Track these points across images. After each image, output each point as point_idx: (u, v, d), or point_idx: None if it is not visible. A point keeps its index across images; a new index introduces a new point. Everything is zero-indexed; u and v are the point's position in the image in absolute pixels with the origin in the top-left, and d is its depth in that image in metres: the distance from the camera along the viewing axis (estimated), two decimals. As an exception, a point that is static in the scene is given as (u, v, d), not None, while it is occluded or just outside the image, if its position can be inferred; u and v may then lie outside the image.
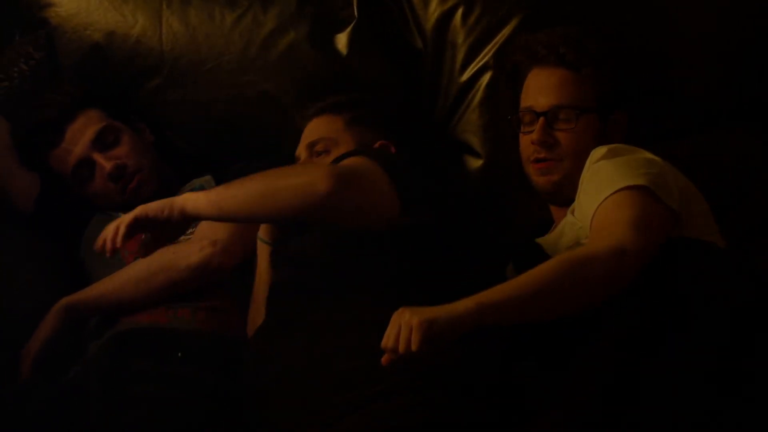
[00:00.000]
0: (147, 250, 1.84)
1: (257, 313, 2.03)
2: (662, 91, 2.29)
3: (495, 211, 2.34)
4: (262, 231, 2.07)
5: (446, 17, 2.38)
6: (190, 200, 1.77)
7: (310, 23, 2.41)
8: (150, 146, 2.41)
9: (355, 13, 2.42)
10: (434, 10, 2.39)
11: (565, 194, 2.03)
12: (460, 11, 2.36)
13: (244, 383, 1.88)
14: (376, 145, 2.16)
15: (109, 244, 1.78)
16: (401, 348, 1.55)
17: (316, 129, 2.19)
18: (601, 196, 1.82)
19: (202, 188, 2.34)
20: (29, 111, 2.36)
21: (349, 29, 2.41)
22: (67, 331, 2.08)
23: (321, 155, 2.14)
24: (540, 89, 2.08)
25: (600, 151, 1.94)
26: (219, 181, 2.35)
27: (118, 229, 1.77)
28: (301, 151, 2.19)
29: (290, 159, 2.42)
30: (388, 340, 1.56)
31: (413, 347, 1.54)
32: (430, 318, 1.55)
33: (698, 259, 1.73)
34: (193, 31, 2.43)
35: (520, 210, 2.31)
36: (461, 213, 2.10)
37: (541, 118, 2.04)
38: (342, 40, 2.41)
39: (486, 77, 2.35)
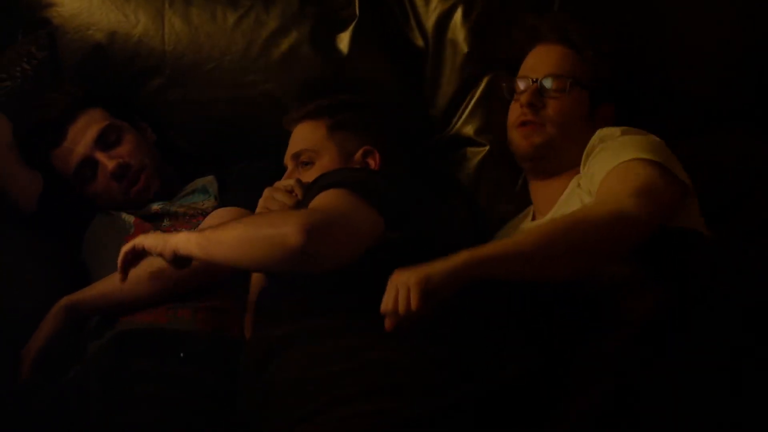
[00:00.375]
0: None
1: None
2: (663, 91, 2.29)
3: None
4: None
5: (447, 16, 2.38)
6: (182, 241, 1.80)
7: (312, 23, 2.41)
8: (152, 146, 2.41)
9: (357, 12, 2.42)
10: (435, 8, 2.39)
11: (544, 162, 2.07)
12: (460, 9, 2.37)
13: (239, 385, 1.88)
14: (360, 151, 2.15)
15: (120, 275, 1.88)
16: (401, 309, 1.56)
17: (300, 138, 2.19)
18: (611, 165, 1.84)
19: (204, 188, 2.35)
20: (31, 110, 2.36)
21: (350, 28, 2.41)
22: (67, 331, 2.07)
23: (306, 166, 2.14)
24: (539, 61, 2.13)
25: (611, 129, 1.98)
26: (222, 180, 2.37)
27: (122, 258, 1.86)
28: (288, 160, 2.19)
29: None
30: (387, 303, 1.57)
31: (413, 306, 1.55)
32: (426, 274, 1.56)
33: (706, 255, 1.74)
34: (195, 30, 2.43)
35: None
36: (452, 216, 2.10)
37: (534, 84, 2.09)
38: (344, 40, 2.41)
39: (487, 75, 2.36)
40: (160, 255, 1.81)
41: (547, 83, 2.08)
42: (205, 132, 2.48)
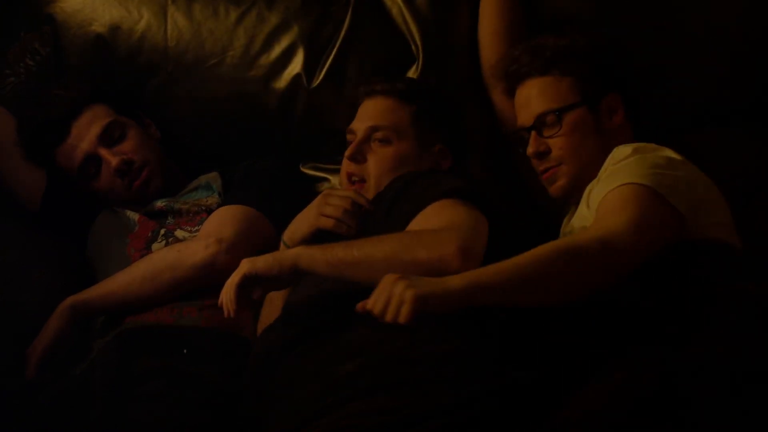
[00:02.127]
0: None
1: (269, 312, 2.02)
2: (663, 90, 2.28)
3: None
4: (287, 235, 2.05)
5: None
6: (305, 256, 1.77)
7: (314, 20, 2.41)
8: (156, 142, 2.41)
9: (350, 11, 2.41)
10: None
11: (577, 191, 2.03)
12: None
13: (246, 382, 1.88)
14: (436, 147, 2.14)
15: (226, 312, 1.79)
16: (388, 317, 1.57)
17: (381, 113, 2.14)
18: (609, 187, 1.83)
19: (208, 185, 2.36)
20: (35, 107, 2.36)
21: (345, 27, 2.40)
22: (72, 330, 2.09)
23: (381, 143, 2.11)
24: (523, 105, 2.08)
25: (624, 150, 1.93)
26: (226, 177, 2.37)
27: (229, 294, 1.78)
28: (358, 128, 2.13)
29: (294, 155, 2.46)
30: (376, 305, 1.58)
31: (401, 319, 1.56)
32: (423, 295, 1.56)
33: (720, 262, 1.74)
34: (197, 26, 2.44)
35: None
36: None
37: (532, 132, 2.05)
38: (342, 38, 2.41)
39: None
40: (278, 276, 1.77)
41: (541, 125, 2.04)
42: (208, 128, 2.48)
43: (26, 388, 1.98)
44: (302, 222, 2.03)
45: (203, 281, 2.11)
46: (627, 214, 1.75)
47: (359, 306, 1.62)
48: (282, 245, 2.06)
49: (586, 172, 2.00)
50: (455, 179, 1.97)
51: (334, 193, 2.03)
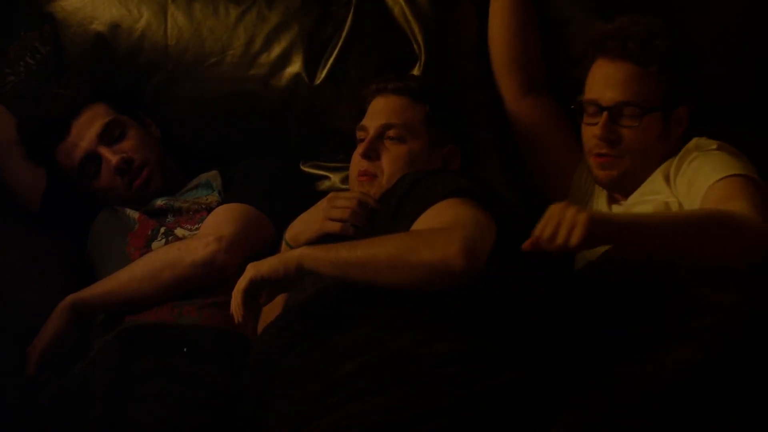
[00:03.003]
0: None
1: (270, 311, 2.01)
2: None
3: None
4: (289, 234, 2.06)
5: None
6: (309, 257, 1.75)
7: (314, 19, 2.41)
8: (156, 141, 2.41)
9: (352, 10, 2.40)
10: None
11: (621, 188, 2.07)
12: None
13: (247, 380, 1.88)
14: (446, 148, 2.15)
15: (235, 319, 1.77)
16: (560, 240, 1.59)
17: (395, 110, 2.14)
18: (717, 176, 1.89)
19: (208, 183, 2.36)
20: (35, 106, 2.36)
21: (346, 26, 2.40)
22: (72, 328, 2.08)
23: (393, 141, 2.11)
24: (606, 82, 2.05)
25: (706, 142, 2.00)
26: (225, 176, 2.37)
27: (236, 299, 1.76)
28: (371, 125, 2.13)
29: (294, 153, 2.46)
30: (545, 230, 1.60)
31: (572, 242, 1.58)
32: (596, 218, 1.60)
33: None
34: (197, 25, 2.44)
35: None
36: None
37: (605, 113, 2.03)
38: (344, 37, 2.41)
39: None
40: (284, 278, 1.75)
41: (618, 112, 2.03)
42: (208, 127, 2.48)
43: (26, 387, 1.98)
44: (307, 224, 2.04)
45: (203, 280, 2.11)
46: (748, 202, 1.81)
47: (526, 245, 1.62)
48: (284, 245, 2.06)
49: (639, 172, 2.03)
50: (461, 179, 1.97)
51: (340, 196, 2.04)
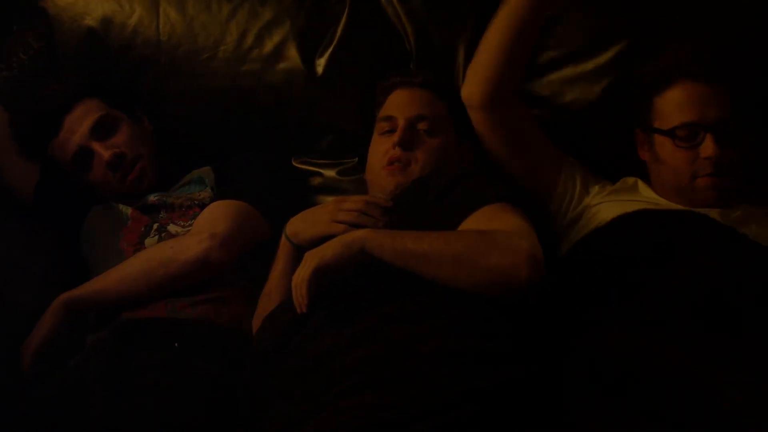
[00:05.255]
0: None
1: (266, 305, 2.03)
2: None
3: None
4: (290, 230, 2.06)
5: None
6: (373, 241, 1.76)
7: (306, 15, 2.41)
8: (149, 136, 2.42)
9: (347, 8, 2.40)
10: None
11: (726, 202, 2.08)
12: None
13: (246, 371, 1.90)
14: (465, 144, 2.18)
15: (299, 309, 1.78)
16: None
17: (423, 103, 2.18)
18: None
19: (201, 179, 2.37)
20: (28, 101, 2.37)
21: (341, 24, 2.40)
22: (67, 326, 2.08)
23: (425, 133, 2.13)
24: (696, 103, 2.07)
25: None
26: (218, 172, 2.37)
27: (302, 289, 1.76)
28: (398, 115, 2.16)
29: (287, 149, 2.47)
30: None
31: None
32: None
33: None
34: (190, 21, 2.43)
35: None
36: None
37: (710, 135, 2.05)
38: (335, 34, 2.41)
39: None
40: (348, 262, 1.76)
41: (722, 132, 2.05)
42: (200, 122, 2.48)
43: (21, 384, 1.99)
44: (311, 224, 2.04)
45: (197, 277, 2.11)
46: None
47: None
48: (284, 238, 2.07)
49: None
50: (503, 184, 1.99)
51: (348, 199, 2.05)
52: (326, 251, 1.77)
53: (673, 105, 2.09)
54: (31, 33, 2.49)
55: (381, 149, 2.16)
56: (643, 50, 2.21)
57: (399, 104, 2.19)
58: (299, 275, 1.77)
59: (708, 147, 2.04)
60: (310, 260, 1.76)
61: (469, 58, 2.25)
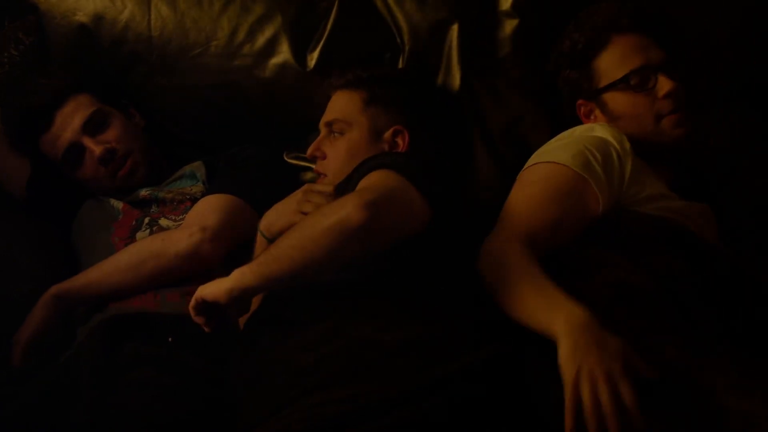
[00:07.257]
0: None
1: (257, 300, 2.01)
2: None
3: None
4: (263, 225, 2.05)
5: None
6: (236, 280, 1.72)
7: (297, 9, 2.41)
8: (141, 131, 2.42)
9: (337, 3, 2.40)
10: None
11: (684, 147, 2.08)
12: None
13: (232, 369, 1.89)
14: (390, 130, 2.13)
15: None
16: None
17: (336, 107, 2.17)
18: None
19: (192, 174, 2.37)
20: (20, 96, 2.36)
21: (332, 18, 2.40)
22: (57, 319, 2.09)
23: (336, 136, 2.13)
24: (637, 49, 2.08)
25: None
26: (210, 166, 2.38)
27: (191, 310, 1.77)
28: (321, 126, 2.17)
29: (278, 144, 2.47)
30: None
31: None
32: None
33: None
34: (181, 16, 2.43)
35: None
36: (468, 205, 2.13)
37: (660, 74, 2.06)
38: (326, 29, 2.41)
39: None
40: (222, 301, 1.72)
41: (671, 68, 2.06)
42: (192, 117, 2.48)
43: (11, 377, 1.99)
44: (280, 215, 2.03)
45: (187, 270, 2.11)
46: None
47: None
48: (258, 235, 2.06)
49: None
50: (395, 156, 1.97)
51: (314, 188, 2.03)
52: (206, 289, 1.74)
53: (616, 59, 2.10)
54: (22, 28, 2.49)
55: None
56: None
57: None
58: (200, 292, 1.75)
59: (663, 84, 2.04)
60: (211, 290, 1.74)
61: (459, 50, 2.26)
